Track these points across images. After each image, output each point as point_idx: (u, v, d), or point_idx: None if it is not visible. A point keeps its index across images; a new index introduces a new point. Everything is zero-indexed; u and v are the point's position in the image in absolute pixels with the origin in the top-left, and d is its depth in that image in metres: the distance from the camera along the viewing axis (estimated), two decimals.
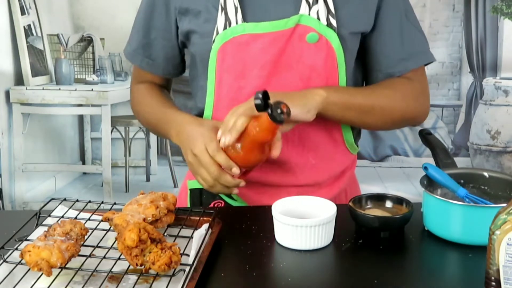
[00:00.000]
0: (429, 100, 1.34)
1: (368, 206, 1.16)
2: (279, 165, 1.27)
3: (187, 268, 0.91)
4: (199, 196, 1.37)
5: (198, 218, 1.10)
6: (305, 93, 1.18)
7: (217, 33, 1.22)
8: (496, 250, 0.84)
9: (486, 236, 0.86)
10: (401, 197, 1.16)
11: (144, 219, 1.01)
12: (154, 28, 1.32)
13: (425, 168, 1.14)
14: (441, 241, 1.07)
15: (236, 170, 1.12)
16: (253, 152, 1.11)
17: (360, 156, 3.84)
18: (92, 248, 0.99)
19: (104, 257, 0.95)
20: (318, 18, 1.21)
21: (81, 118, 3.89)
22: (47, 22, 3.67)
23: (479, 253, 0.98)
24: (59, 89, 3.53)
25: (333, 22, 1.22)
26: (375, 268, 0.99)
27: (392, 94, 1.27)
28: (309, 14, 1.21)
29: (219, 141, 1.12)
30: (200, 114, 1.32)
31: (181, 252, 0.93)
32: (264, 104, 1.03)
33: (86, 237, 0.99)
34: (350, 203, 1.12)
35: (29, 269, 0.90)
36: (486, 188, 1.16)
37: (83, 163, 3.92)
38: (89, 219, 1.09)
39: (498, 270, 0.85)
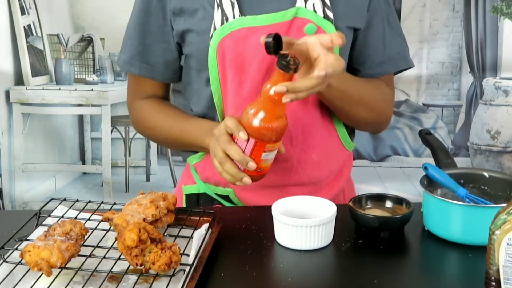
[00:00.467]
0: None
1: (368, 206, 1.16)
2: (282, 163, 1.26)
3: (187, 268, 0.91)
4: (196, 201, 1.37)
5: (198, 218, 1.10)
6: None
7: (215, 29, 1.21)
8: (496, 250, 0.84)
9: (486, 236, 0.86)
10: (401, 197, 1.16)
11: (144, 219, 1.01)
12: (150, 34, 1.30)
13: (425, 168, 1.14)
14: (441, 241, 1.07)
15: (243, 134, 1.06)
16: (271, 116, 1.05)
17: (360, 156, 3.86)
18: (92, 248, 0.99)
19: (104, 257, 0.95)
20: (315, 11, 1.22)
21: (81, 118, 3.88)
22: (47, 22, 3.67)
23: (479, 253, 0.98)
24: (59, 89, 3.53)
25: (330, 14, 1.23)
26: (375, 268, 0.99)
27: (376, 93, 1.31)
28: (305, 7, 1.22)
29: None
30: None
31: (181, 252, 0.93)
32: (274, 46, 1.01)
33: (86, 237, 0.99)
34: (350, 203, 1.12)
35: (29, 269, 0.90)
36: (486, 188, 1.16)
37: (83, 163, 3.92)
38: (89, 219, 1.09)
39: (498, 270, 0.85)
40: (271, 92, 1.03)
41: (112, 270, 0.92)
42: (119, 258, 0.93)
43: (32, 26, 3.59)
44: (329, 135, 1.30)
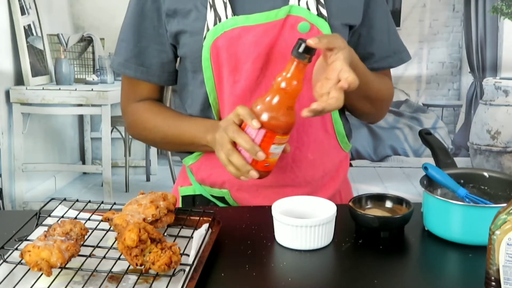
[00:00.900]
0: None
1: (368, 206, 1.16)
2: (277, 162, 1.26)
3: (187, 268, 0.91)
4: (192, 203, 1.37)
5: (198, 218, 1.10)
6: None
7: (208, 29, 1.21)
8: (496, 250, 0.84)
9: (486, 236, 0.86)
10: (401, 197, 1.16)
11: (144, 219, 1.01)
12: (145, 36, 1.29)
13: (425, 168, 1.14)
14: (441, 241, 1.07)
15: (256, 123, 1.06)
16: (283, 107, 1.06)
17: (360, 156, 3.86)
18: (92, 248, 0.99)
19: (104, 257, 0.95)
20: (308, 9, 1.22)
21: (81, 118, 3.88)
22: (47, 22, 3.66)
23: (479, 253, 0.98)
24: (59, 89, 3.53)
25: (324, 11, 1.23)
26: (375, 268, 0.99)
27: (385, 87, 1.34)
28: (298, 5, 1.22)
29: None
30: None
31: (181, 252, 0.93)
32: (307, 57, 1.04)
33: (86, 237, 0.99)
34: (350, 203, 1.12)
35: (29, 269, 0.90)
36: (486, 188, 1.16)
37: (83, 163, 3.92)
38: (89, 219, 1.09)
39: (498, 270, 0.85)
40: (283, 85, 1.05)
41: (112, 270, 0.92)
42: (119, 258, 0.93)
43: (32, 26, 3.59)
44: (326, 134, 1.30)
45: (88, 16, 3.72)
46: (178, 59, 1.33)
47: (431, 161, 1.23)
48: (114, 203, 1.14)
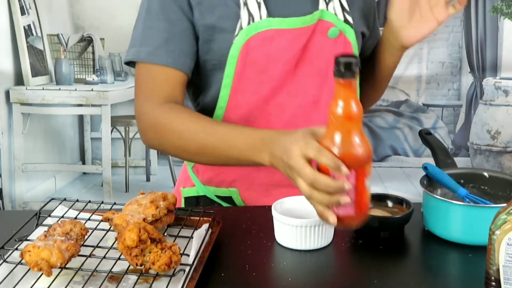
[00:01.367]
0: None
1: None
2: None
3: (187, 268, 0.91)
4: (195, 204, 1.36)
5: (198, 218, 1.10)
6: None
7: (241, 28, 1.20)
8: (496, 250, 0.84)
9: (486, 236, 0.86)
10: (401, 197, 1.16)
11: (144, 219, 1.01)
12: (175, 22, 1.22)
13: (425, 168, 1.14)
14: (441, 241, 1.07)
15: (345, 169, 0.88)
16: (361, 133, 0.90)
17: None
18: (92, 248, 0.99)
19: (104, 257, 0.95)
20: (336, 14, 1.24)
21: (81, 118, 3.88)
22: (47, 22, 3.66)
23: (479, 253, 0.98)
24: (59, 89, 3.53)
25: (349, 18, 1.26)
26: (375, 268, 0.99)
27: None
28: (327, 9, 1.24)
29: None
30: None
31: (181, 252, 0.93)
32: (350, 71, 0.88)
33: (86, 237, 0.99)
34: None
35: (29, 269, 0.90)
36: (486, 188, 1.16)
37: (83, 163, 3.92)
38: (89, 219, 1.09)
39: (498, 270, 0.85)
40: (349, 113, 0.89)
41: (112, 270, 0.92)
42: (119, 258, 0.93)
43: (32, 26, 3.59)
44: None
45: (88, 16, 3.71)
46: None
47: (431, 161, 1.23)
48: (114, 203, 1.14)
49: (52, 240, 0.92)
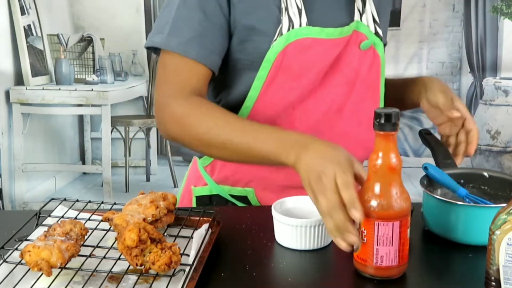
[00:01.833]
0: None
1: None
2: None
3: (187, 268, 0.91)
4: (208, 203, 1.35)
5: (198, 218, 1.10)
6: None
7: (281, 33, 1.19)
8: (496, 250, 0.84)
9: (486, 236, 0.86)
10: None
11: (144, 219, 1.01)
12: (210, 17, 1.18)
13: (425, 168, 1.14)
14: (441, 241, 1.07)
15: (356, 213, 0.89)
16: (400, 186, 0.92)
17: None
18: (92, 248, 0.99)
19: (104, 257, 0.95)
20: (368, 26, 1.27)
21: (81, 118, 3.89)
22: (47, 22, 3.67)
23: (479, 253, 0.98)
24: (59, 89, 3.53)
25: (379, 31, 1.29)
26: None
27: None
28: (360, 20, 1.26)
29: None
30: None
31: (181, 252, 0.93)
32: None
33: (86, 237, 0.99)
34: None
35: (29, 269, 0.90)
36: (486, 188, 1.16)
37: (83, 163, 3.93)
38: (89, 219, 1.09)
39: (498, 270, 0.85)
40: (391, 164, 0.91)
41: (112, 270, 0.92)
42: (119, 258, 0.93)
43: (32, 26, 3.59)
44: (358, 143, 1.30)
45: (88, 16, 3.72)
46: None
47: (431, 161, 1.23)
48: (114, 203, 1.14)
49: (52, 240, 0.92)
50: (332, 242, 1.07)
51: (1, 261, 0.93)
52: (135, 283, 0.89)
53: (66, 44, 3.69)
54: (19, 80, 3.52)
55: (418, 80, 1.34)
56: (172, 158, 3.72)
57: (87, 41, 3.73)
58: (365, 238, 0.92)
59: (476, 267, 0.96)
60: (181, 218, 1.10)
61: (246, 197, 1.31)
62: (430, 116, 1.30)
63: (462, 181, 1.16)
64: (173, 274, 0.90)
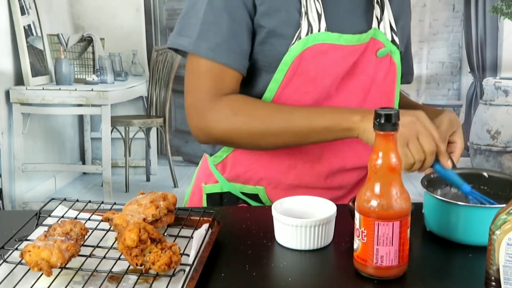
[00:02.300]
0: None
1: None
2: (318, 167, 1.29)
3: (187, 268, 0.91)
4: (219, 200, 1.35)
5: (198, 218, 1.10)
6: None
7: (299, 37, 1.19)
8: (496, 250, 0.84)
9: (486, 236, 0.86)
10: None
11: (144, 219, 1.01)
12: (238, 21, 1.18)
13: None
14: (442, 241, 1.07)
15: (450, 163, 1.11)
16: (400, 185, 0.92)
17: None
18: (92, 248, 0.99)
19: (104, 257, 0.95)
20: (385, 33, 1.27)
21: (81, 118, 3.89)
22: (47, 22, 3.67)
23: (479, 253, 0.98)
24: (59, 89, 3.53)
25: (396, 39, 1.29)
26: None
27: None
28: (378, 28, 1.26)
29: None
30: None
31: (181, 252, 0.93)
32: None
33: (86, 237, 0.99)
34: (350, 203, 1.12)
35: (29, 269, 0.90)
36: (486, 188, 1.16)
37: (83, 163, 3.93)
38: (89, 219, 1.09)
39: (498, 270, 0.85)
40: (392, 165, 0.91)
41: (112, 270, 0.92)
42: (119, 258, 0.93)
43: (32, 26, 3.59)
44: (365, 149, 1.30)
45: (88, 16, 3.72)
46: None
47: None
48: (114, 203, 1.14)
49: (52, 240, 0.92)
50: (332, 242, 1.07)
51: (1, 261, 0.93)
52: (135, 283, 0.89)
53: (66, 44, 3.69)
54: (19, 80, 3.52)
55: (433, 109, 1.31)
56: (172, 158, 3.73)
57: (87, 41, 3.73)
58: (365, 238, 0.92)
59: (476, 267, 0.96)
60: (181, 218, 1.10)
61: (257, 195, 1.32)
62: None
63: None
64: (173, 274, 0.90)
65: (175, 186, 3.68)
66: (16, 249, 0.97)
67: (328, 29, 1.20)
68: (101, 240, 1.02)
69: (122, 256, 0.92)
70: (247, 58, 1.22)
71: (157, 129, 3.82)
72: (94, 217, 1.10)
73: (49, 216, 1.10)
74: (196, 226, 1.08)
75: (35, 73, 3.56)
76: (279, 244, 1.07)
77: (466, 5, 3.62)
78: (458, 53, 3.71)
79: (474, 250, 1.03)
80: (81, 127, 3.92)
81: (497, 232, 0.84)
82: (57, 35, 3.69)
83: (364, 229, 0.92)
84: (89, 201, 1.19)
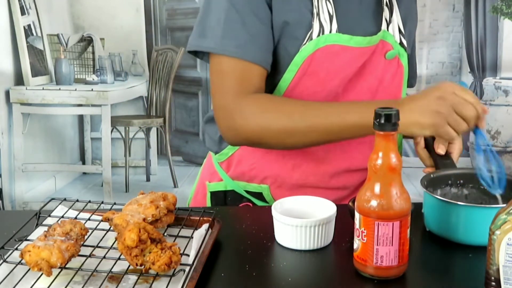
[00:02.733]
0: None
1: None
2: (324, 167, 1.29)
3: (187, 268, 0.91)
4: (223, 198, 1.36)
5: (198, 218, 1.10)
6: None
7: (311, 38, 1.19)
8: (496, 250, 0.84)
9: (486, 236, 0.86)
10: None
11: (144, 219, 1.01)
12: (261, 18, 1.18)
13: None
14: (442, 241, 1.07)
15: (485, 123, 1.14)
16: (400, 185, 0.92)
17: None
18: (92, 248, 0.99)
19: (104, 257, 0.95)
20: (393, 35, 1.28)
21: (81, 118, 3.88)
22: (47, 22, 3.67)
23: (479, 253, 0.98)
24: (59, 89, 3.53)
25: (404, 41, 1.30)
26: None
27: None
28: (387, 30, 1.27)
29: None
30: None
31: (181, 252, 0.93)
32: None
33: (86, 237, 0.99)
34: (350, 203, 1.12)
35: (29, 269, 0.90)
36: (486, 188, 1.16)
37: (83, 163, 3.92)
38: (89, 219, 1.09)
39: (498, 270, 0.85)
40: (392, 164, 0.91)
41: (112, 270, 0.92)
42: (119, 258, 0.93)
43: (32, 26, 3.59)
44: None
45: (88, 16, 3.72)
46: None
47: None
48: (114, 203, 1.14)
49: (52, 240, 0.92)
50: (332, 242, 1.07)
51: (1, 261, 0.93)
52: (135, 283, 0.89)
53: (66, 44, 3.68)
54: (19, 80, 3.51)
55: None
56: (172, 158, 3.72)
57: (87, 41, 3.72)
58: (365, 238, 0.92)
59: (476, 267, 0.96)
60: (181, 218, 1.10)
61: (261, 194, 1.32)
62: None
63: (462, 181, 1.16)
64: (173, 274, 0.90)
65: (175, 186, 3.68)
66: (16, 249, 0.97)
67: (340, 30, 1.21)
68: (101, 240, 1.02)
69: (122, 256, 0.92)
70: (271, 54, 1.21)
71: (157, 129, 3.82)
72: (94, 217, 1.10)
73: (49, 216, 1.10)
74: (196, 226, 1.08)
75: (35, 73, 3.56)
76: (279, 244, 1.07)
77: (466, 5, 3.61)
78: (458, 53, 3.70)
79: (474, 250, 1.03)
80: (81, 127, 3.92)
81: (497, 232, 0.84)
82: (57, 35, 3.68)
83: (364, 229, 0.92)
84: (89, 201, 1.19)
